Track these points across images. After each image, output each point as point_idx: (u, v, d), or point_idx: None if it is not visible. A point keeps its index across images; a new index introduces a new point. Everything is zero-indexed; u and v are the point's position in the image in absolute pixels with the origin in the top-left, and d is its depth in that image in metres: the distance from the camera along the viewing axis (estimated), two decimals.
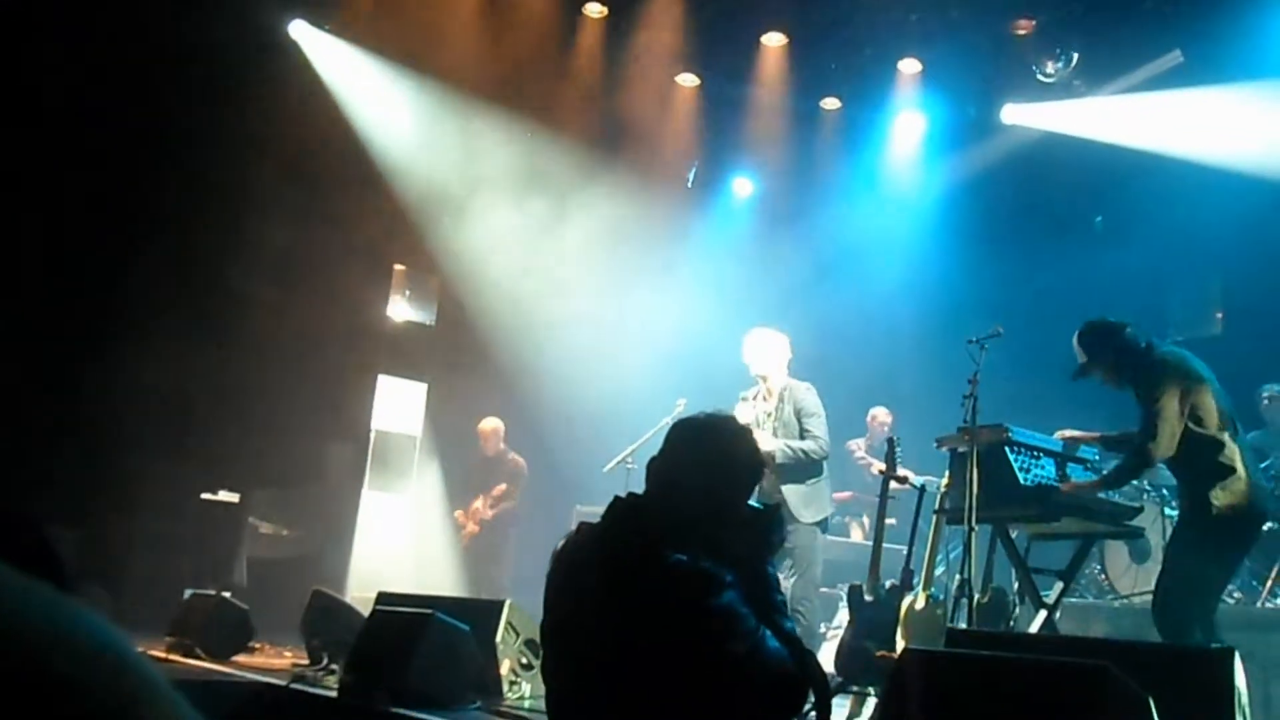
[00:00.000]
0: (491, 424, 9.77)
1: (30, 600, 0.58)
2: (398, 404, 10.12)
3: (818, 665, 2.89)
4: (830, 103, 10.96)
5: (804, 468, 6.90)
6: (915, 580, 6.07)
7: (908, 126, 10.97)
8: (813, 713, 3.00)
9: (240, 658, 6.63)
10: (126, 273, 8.67)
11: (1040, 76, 9.83)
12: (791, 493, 6.86)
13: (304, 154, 9.41)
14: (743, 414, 6.93)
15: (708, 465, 2.95)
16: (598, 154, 10.51)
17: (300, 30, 10.00)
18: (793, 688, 2.77)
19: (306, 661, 6.48)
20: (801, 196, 10.97)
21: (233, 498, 8.98)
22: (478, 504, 9.58)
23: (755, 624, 2.73)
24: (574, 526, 3.07)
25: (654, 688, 2.65)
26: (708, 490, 2.93)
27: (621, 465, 8.31)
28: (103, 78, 8.27)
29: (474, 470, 9.72)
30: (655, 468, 3.01)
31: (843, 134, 11.02)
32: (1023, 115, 10.29)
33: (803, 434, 6.88)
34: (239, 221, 9.20)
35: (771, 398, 7.01)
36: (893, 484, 6.63)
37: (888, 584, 6.16)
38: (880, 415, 9.46)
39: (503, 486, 9.56)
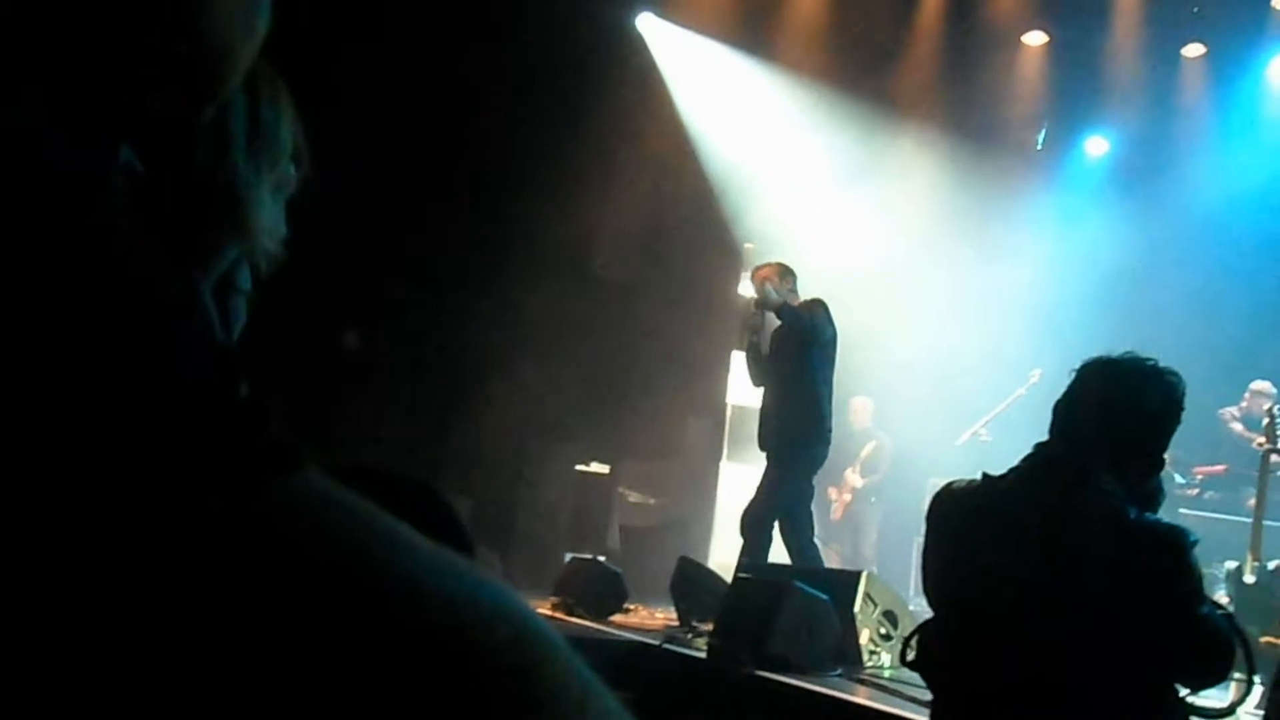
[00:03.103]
0: (861, 400, 9.88)
1: (442, 568, 0.60)
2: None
3: (1243, 629, 2.74)
4: (1193, 49, 10.21)
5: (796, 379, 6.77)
6: None
7: None
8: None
9: (616, 617, 6.91)
10: (501, 267, 9.32)
11: None
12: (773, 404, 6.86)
13: (654, 142, 9.79)
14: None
15: (1124, 409, 2.73)
16: (940, 123, 10.33)
17: (647, 23, 10.42)
18: (1230, 652, 2.64)
19: (677, 623, 6.70)
20: (1161, 153, 10.24)
21: (603, 469, 9.53)
22: (848, 475, 9.76)
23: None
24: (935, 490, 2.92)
25: (1098, 646, 2.53)
26: (1129, 435, 2.73)
27: (975, 438, 8.19)
28: (466, 79, 8.79)
29: (841, 445, 9.80)
30: (1066, 412, 2.79)
31: (1208, 83, 10.21)
32: None
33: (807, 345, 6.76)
34: (598, 211, 9.68)
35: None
36: (1273, 457, 6.24)
37: (1271, 565, 5.79)
38: (1260, 387, 8.77)
39: (871, 444, 9.67)
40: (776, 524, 6.85)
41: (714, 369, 10.10)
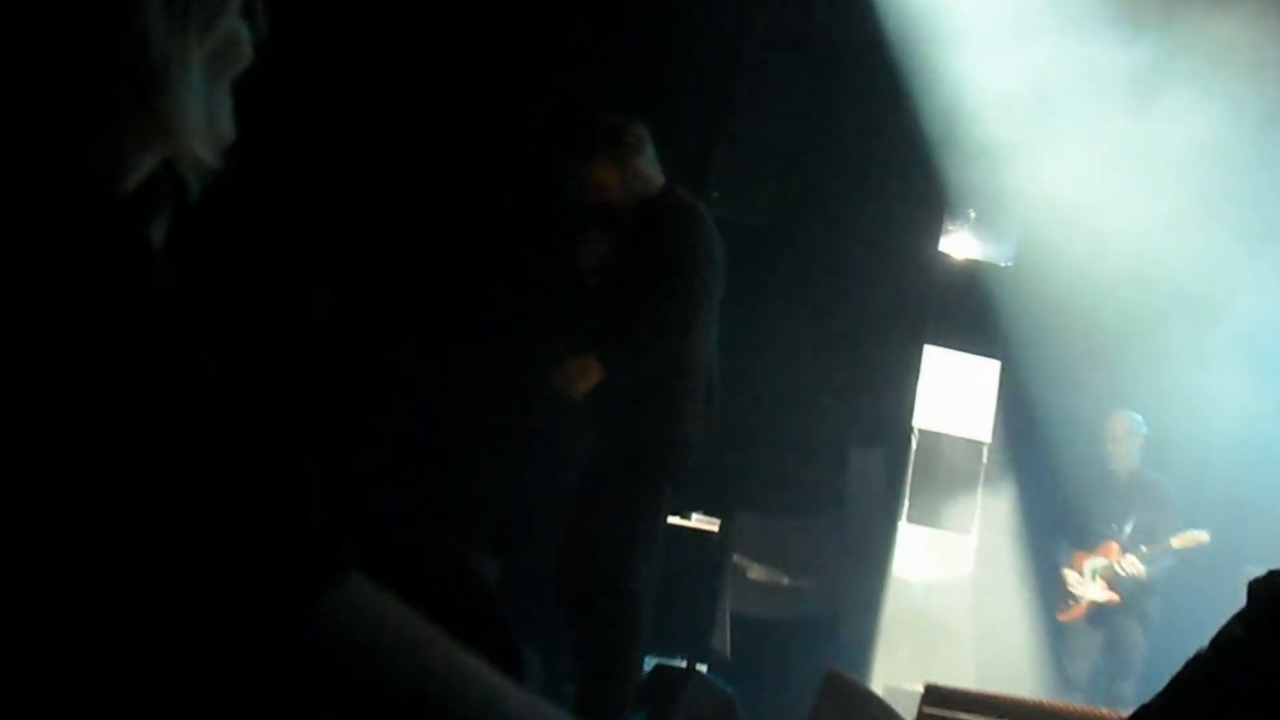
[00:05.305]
0: (1125, 423, 7.63)
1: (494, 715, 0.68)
2: (954, 392, 8.34)
3: None
4: None
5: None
6: None
7: None
8: None
9: None
10: None
11: None
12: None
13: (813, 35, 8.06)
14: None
15: None
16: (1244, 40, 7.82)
17: None
18: None
19: None
20: None
21: (711, 524, 7.56)
22: (1124, 559, 7.44)
23: None
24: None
25: None
26: None
27: None
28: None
29: (1092, 496, 7.62)
30: None
31: None
32: None
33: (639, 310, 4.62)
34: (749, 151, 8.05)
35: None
36: None
37: None
38: None
39: (1203, 536, 7.12)
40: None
41: (894, 374, 8.12)
